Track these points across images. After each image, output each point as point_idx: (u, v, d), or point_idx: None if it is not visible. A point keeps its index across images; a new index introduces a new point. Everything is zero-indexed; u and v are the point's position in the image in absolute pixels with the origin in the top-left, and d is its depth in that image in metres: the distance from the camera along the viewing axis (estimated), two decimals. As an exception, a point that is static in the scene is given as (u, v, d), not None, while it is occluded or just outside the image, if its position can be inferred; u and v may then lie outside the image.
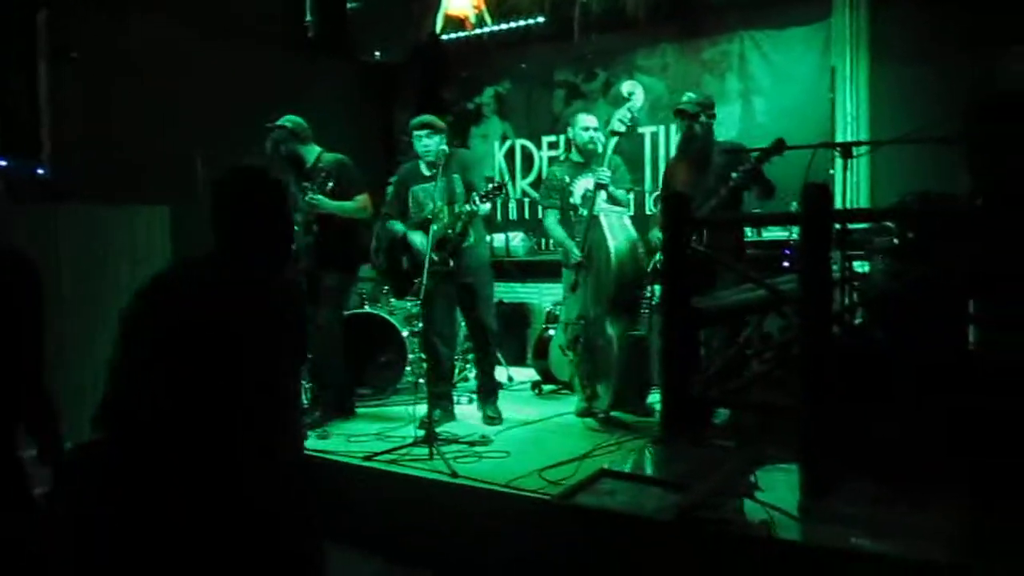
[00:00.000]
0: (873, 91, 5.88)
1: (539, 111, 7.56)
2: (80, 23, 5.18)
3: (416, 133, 5.13)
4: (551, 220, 5.43)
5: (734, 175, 4.51)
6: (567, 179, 5.37)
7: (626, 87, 5.11)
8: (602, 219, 4.94)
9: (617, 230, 4.94)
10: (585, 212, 5.10)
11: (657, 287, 4.92)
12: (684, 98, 4.98)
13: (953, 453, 2.93)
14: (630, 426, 4.89)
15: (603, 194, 5.05)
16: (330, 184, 5.09)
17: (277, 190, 2.30)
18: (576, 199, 5.31)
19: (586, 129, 5.33)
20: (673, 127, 6.78)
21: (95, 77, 5.28)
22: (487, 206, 5.00)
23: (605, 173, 5.01)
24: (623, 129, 5.02)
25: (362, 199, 5.21)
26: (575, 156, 5.44)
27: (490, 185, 4.96)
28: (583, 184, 5.29)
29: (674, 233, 3.90)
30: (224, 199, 2.20)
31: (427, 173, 5.14)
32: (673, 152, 6.55)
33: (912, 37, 5.71)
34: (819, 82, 6.09)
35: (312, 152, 5.22)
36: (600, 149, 5.22)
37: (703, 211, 4.55)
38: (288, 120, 5.16)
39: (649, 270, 5.08)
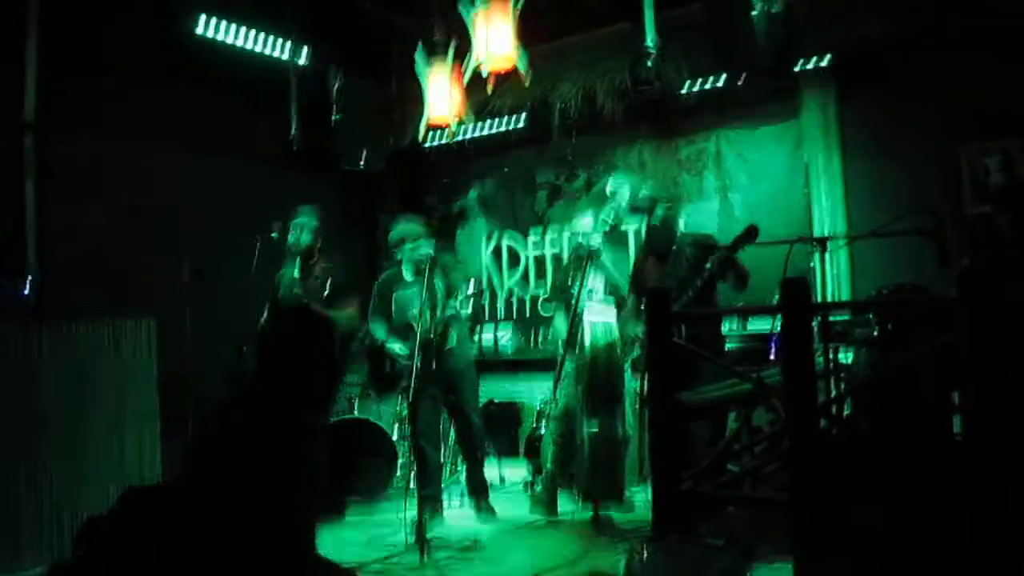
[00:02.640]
0: (847, 185, 6.04)
1: (522, 211, 7.70)
2: (66, 143, 5.31)
3: (396, 249, 5.30)
4: (559, 320, 5.47)
5: (707, 265, 4.59)
6: (569, 280, 5.37)
7: (611, 185, 5.18)
8: (585, 315, 4.95)
9: (597, 326, 4.94)
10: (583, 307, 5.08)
11: (640, 382, 4.93)
12: (643, 194, 5.15)
13: (945, 545, 2.92)
14: (620, 525, 4.83)
15: (600, 281, 5.05)
16: (325, 292, 5.25)
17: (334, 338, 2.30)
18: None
19: (575, 235, 5.42)
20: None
21: (81, 194, 5.39)
22: (467, 311, 5.08)
23: (595, 240, 5.00)
24: (607, 228, 5.07)
25: (351, 312, 5.33)
26: (573, 258, 5.50)
27: (469, 291, 5.04)
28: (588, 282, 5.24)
29: (657, 328, 3.94)
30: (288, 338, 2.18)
31: (408, 279, 5.27)
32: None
33: (880, 132, 5.91)
34: (794, 177, 6.26)
35: (314, 254, 5.40)
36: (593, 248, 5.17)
37: (678, 304, 4.59)
38: (310, 219, 5.37)
39: (627, 364, 5.10)
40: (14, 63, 5.09)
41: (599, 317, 4.95)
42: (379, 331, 5.40)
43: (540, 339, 7.39)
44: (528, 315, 7.57)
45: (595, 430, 4.81)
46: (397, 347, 5.22)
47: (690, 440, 4.64)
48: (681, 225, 5.17)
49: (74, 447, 4.43)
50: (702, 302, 4.75)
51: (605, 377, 4.87)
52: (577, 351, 4.97)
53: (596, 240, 5.00)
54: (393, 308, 5.32)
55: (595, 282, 5.08)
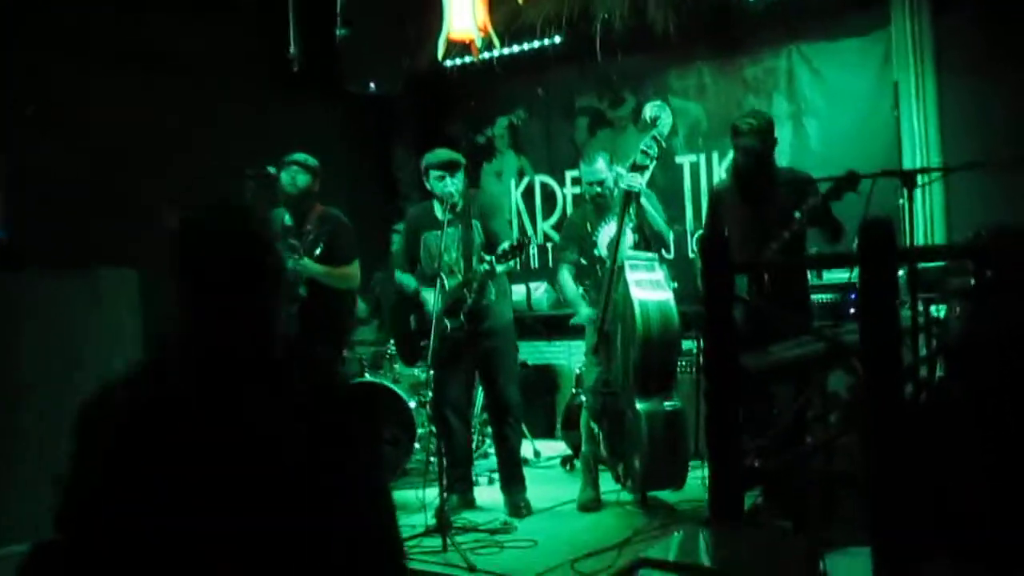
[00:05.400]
0: (943, 108, 5.94)
1: (560, 143, 7.69)
2: (38, 75, 5.35)
3: (433, 174, 5.13)
4: (565, 274, 5.40)
5: (797, 215, 4.47)
6: (588, 226, 5.29)
7: (649, 111, 5.04)
8: (627, 270, 4.88)
9: (645, 284, 4.87)
10: (610, 263, 5.01)
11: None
12: (743, 120, 4.88)
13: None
14: (673, 506, 4.91)
15: (628, 234, 4.97)
16: (319, 249, 5.21)
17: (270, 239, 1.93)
18: (601, 250, 5.20)
19: (597, 183, 5.17)
20: (716, 155, 6.89)
21: (55, 130, 5.44)
22: (505, 266, 4.98)
23: (636, 180, 4.89)
24: (648, 162, 4.94)
25: (351, 268, 5.32)
26: (591, 204, 5.33)
27: (508, 244, 4.89)
28: (608, 231, 5.15)
29: (716, 281, 3.93)
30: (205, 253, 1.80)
31: (442, 217, 5.09)
32: (721, 177, 6.62)
33: (980, 46, 5.78)
34: (880, 99, 6.17)
35: (310, 201, 5.37)
36: (615, 195, 5.11)
37: (765, 253, 4.52)
38: (308, 157, 5.35)
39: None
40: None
41: (651, 294, 4.87)
42: (407, 279, 5.33)
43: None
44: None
45: (651, 408, 4.80)
46: (432, 297, 5.04)
47: (763, 408, 4.67)
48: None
49: (50, 413, 4.54)
50: (790, 252, 4.61)
51: (661, 356, 4.86)
52: (622, 312, 4.94)
53: (637, 180, 4.89)
54: (422, 252, 5.27)
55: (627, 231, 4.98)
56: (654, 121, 4.98)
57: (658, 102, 5.22)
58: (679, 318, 4.93)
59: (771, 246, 4.49)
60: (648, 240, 5.08)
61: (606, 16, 6.68)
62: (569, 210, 7.57)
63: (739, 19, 6.57)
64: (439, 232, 5.06)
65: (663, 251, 5.12)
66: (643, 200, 4.96)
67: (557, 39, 7.12)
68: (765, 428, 4.53)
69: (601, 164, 5.20)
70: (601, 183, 5.16)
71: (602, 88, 7.45)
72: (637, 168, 4.93)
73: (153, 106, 6.02)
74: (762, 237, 4.55)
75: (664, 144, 5.08)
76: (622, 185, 4.96)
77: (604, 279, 5.03)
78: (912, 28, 5.96)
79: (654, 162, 4.99)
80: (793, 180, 4.81)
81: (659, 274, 4.98)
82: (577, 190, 7.53)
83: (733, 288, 4.01)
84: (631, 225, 4.99)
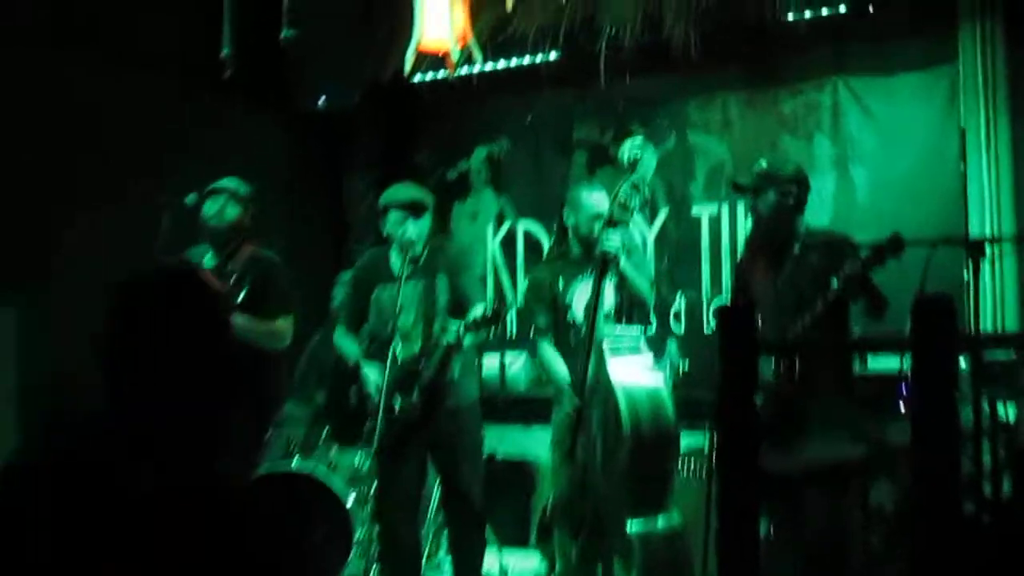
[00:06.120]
0: (1019, 163, 5.95)
1: (551, 181, 7.66)
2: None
3: (393, 215, 5.09)
4: (547, 348, 5.33)
5: (834, 281, 4.49)
6: (560, 285, 5.24)
7: (628, 150, 4.96)
8: (607, 352, 4.83)
9: (636, 393, 4.82)
10: (585, 332, 4.95)
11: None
12: (756, 167, 4.94)
13: None
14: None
15: (609, 293, 4.97)
16: (240, 295, 5.14)
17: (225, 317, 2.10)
18: (575, 314, 5.16)
19: (597, 217, 5.04)
20: (742, 205, 6.88)
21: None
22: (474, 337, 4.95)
23: (613, 241, 4.83)
24: (627, 217, 4.92)
25: (281, 324, 5.28)
26: (574, 249, 5.27)
27: (481, 311, 4.86)
28: (585, 290, 5.09)
29: (735, 361, 3.91)
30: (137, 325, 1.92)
31: (399, 270, 5.06)
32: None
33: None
34: (943, 148, 6.20)
35: (240, 238, 5.36)
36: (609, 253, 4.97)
37: (793, 329, 4.54)
38: (240, 184, 5.34)
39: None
40: None
41: (637, 376, 4.86)
42: (348, 345, 5.31)
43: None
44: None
45: (646, 530, 4.76)
46: (373, 376, 5.05)
47: (790, 523, 4.63)
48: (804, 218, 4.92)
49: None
50: (828, 329, 4.61)
51: (655, 459, 4.84)
52: (602, 406, 4.88)
53: (614, 241, 4.82)
54: (372, 312, 5.23)
55: (607, 298, 4.98)
56: (633, 165, 4.90)
57: (639, 139, 5.20)
58: (674, 410, 4.90)
59: (804, 318, 4.48)
60: (629, 305, 5.09)
61: (613, 30, 6.69)
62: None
63: (776, 41, 6.58)
64: (395, 287, 5.03)
65: (670, 324, 5.09)
66: (623, 264, 4.92)
67: (552, 55, 7.16)
68: (792, 547, 4.50)
69: (599, 196, 5.13)
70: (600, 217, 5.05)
71: (605, 117, 7.47)
72: (613, 224, 4.88)
73: (46, 102, 5.94)
74: (790, 307, 4.57)
75: (647, 193, 5.04)
76: (596, 248, 4.92)
77: (579, 351, 4.97)
78: (983, 65, 5.99)
79: (634, 216, 4.94)
80: (828, 242, 4.82)
81: (647, 356, 4.98)
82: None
83: (756, 371, 3.98)
84: (611, 283, 4.98)
